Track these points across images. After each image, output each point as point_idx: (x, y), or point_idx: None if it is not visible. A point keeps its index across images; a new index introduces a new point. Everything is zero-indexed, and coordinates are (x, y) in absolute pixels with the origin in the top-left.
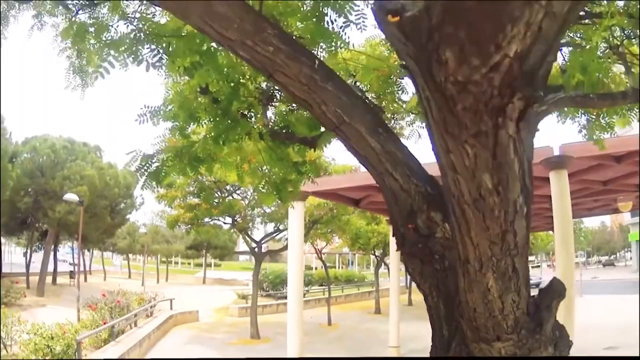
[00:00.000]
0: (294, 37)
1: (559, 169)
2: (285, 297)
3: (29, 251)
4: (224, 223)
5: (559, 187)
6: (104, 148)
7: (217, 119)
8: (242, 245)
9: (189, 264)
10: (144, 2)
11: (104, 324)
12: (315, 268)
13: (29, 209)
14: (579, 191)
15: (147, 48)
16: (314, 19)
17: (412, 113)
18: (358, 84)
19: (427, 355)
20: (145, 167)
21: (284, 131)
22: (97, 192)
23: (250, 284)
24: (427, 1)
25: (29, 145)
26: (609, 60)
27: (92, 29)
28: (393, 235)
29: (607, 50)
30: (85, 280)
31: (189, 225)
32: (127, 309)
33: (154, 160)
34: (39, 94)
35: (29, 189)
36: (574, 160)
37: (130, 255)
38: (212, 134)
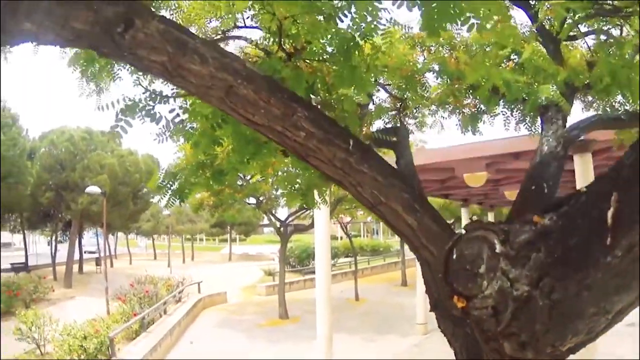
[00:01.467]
0: (327, 116)
1: (583, 152)
2: (313, 272)
3: (53, 243)
4: (248, 204)
5: (583, 169)
6: (122, 135)
7: (242, 145)
8: (266, 219)
9: (214, 239)
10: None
11: (134, 315)
12: (341, 237)
13: (51, 203)
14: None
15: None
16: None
17: (435, 105)
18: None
19: None
20: (169, 184)
21: None
22: (118, 179)
23: (276, 258)
24: (496, 306)
25: (46, 140)
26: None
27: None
28: (429, 302)
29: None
30: (112, 265)
31: (214, 208)
32: (156, 297)
33: (177, 177)
34: (51, 86)
35: (50, 183)
36: (598, 143)
37: (154, 236)
38: (237, 155)
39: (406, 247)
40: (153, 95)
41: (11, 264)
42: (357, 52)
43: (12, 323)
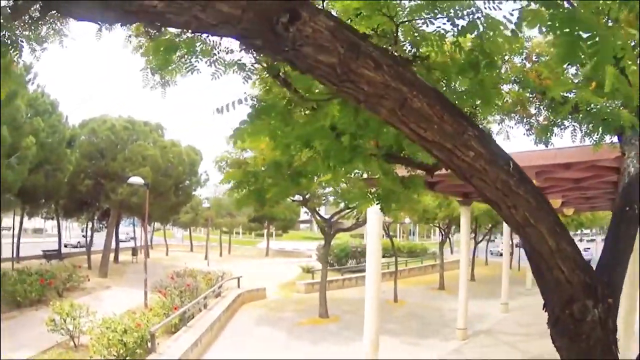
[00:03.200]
0: (491, 135)
1: None
2: (351, 272)
3: (89, 232)
4: (293, 200)
5: None
6: (165, 126)
7: (338, 151)
8: (303, 215)
9: (250, 234)
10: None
11: (175, 309)
12: None
13: (90, 191)
14: None
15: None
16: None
17: (500, 114)
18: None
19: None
20: (247, 185)
21: (401, 155)
22: (160, 171)
23: (314, 255)
24: None
25: (87, 128)
26: None
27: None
28: (548, 320)
29: None
30: (148, 255)
31: (258, 204)
32: (196, 291)
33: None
34: (95, 74)
35: (89, 171)
36: None
37: (191, 227)
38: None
39: (445, 249)
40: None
41: (43, 250)
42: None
43: (43, 313)
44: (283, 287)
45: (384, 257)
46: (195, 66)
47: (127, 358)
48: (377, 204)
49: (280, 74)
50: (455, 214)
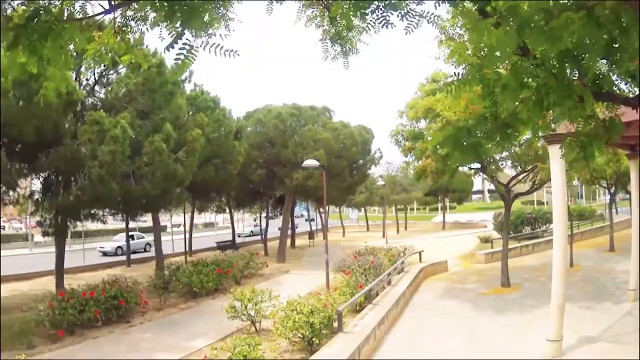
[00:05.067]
0: None
1: None
2: (528, 239)
3: (264, 220)
4: (470, 168)
5: None
6: (332, 108)
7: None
8: (475, 186)
9: (424, 209)
10: None
11: (360, 287)
12: (546, 203)
13: (262, 180)
14: None
15: None
16: None
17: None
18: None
19: None
20: (464, 140)
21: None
22: (334, 153)
23: (489, 225)
24: None
25: (252, 119)
26: None
27: None
28: None
29: None
30: (324, 238)
31: (437, 175)
32: (380, 268)
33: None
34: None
35: (260, 161)
36: None
37: (366, 207)
38: (534, 97)
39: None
40: None
41: (217, 242)
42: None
43: (220, 302)
44: (463, 258)
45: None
46: (389, 19)
47: (314, 339)
48: (579, 152)
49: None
50: (622, 170)
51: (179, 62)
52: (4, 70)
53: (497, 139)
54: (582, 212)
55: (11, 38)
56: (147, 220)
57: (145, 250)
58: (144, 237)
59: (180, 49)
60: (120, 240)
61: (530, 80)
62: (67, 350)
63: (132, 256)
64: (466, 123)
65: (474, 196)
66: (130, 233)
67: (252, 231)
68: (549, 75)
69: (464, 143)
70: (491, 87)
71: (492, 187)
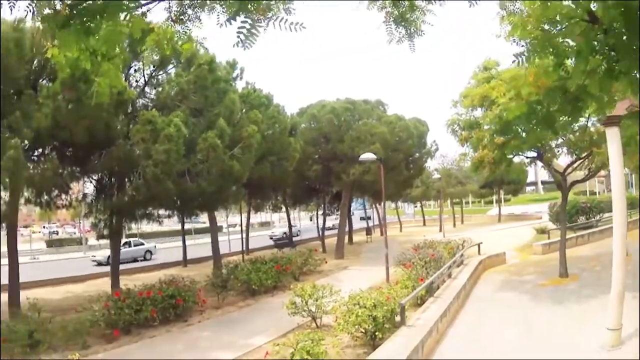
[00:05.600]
0: None
1: None
2: (584, 229)
3: (321, 217)
4: (527, 157)
5: None
6: (386, 102)
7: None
8: (528, 177)
9: (479, 202)
10: None
11: (421, 281)
12: (598, 192)
13: (318, 176)
14: None
15: None
16: None
17: None
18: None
19: None
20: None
21: None
22: (390, 147)
23: (543, 216)
24: None
25: (306, 115)
26: None
27: None
28: None
29: None
30: (381, 234)
31: (494, 165)
32: (440, 261)
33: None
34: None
35: (316, 157)
36: None
37: (422, 202)
38: (603, 67)
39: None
40: None
41: (274, 240)
42: None
43: (279, 299)
44: (520, 250)
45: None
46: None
47: (377, 333)
48: None
49: None
50: None
51: (240, 39)
52: (60, 65)
53: (569, 111)
54: (634, 201)
55: (62, 19)
56: (204, 221)
57: (145, 259)
58: (143, 244)
59: (240, 27)
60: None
61: (600, 46)
62: (122, 349)
63: (131, 265)
64: (538, 97)
65: (528, 188)
66: (127, 240)
67: (299, 230)
68: (619, 40)
69: (539, 116)
70: (561, 56)
71: (546, 178)
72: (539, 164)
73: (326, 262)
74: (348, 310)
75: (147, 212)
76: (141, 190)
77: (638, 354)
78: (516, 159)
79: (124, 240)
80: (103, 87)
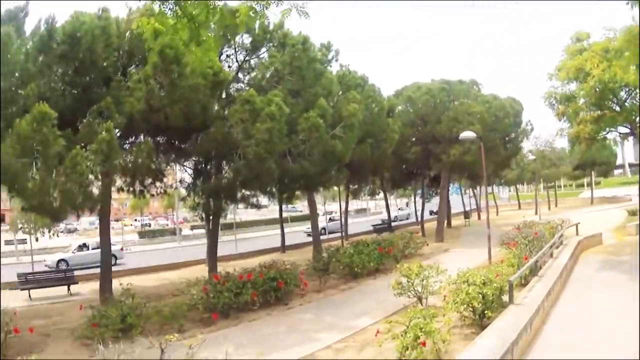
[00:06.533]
0: None
1: None
2: None
3: (420, 200)
4: (620, 133)
5: None
6: (480, 81)
7: None
8: (618, 159)
9: (571, 185)
10: None
11: (525, 259)
12: None
13: (418, 159)
14: None
15: None
16: None
17: None
18: None
19: None
20: None
21: None
22: (488, 126)
23: (634, 198)
24: None
25: (402, 97)
26: None
27: None
28: None
29: None
30: (479, 217)
31: (590, 141)
32: (542, 240)
33: None
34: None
35: (414, 139)
36: None
37: (517, 185)
38: None
39: None
40: None
41: (373, 225)
42: None
43: (381, 281)
44: (615, 231)
45: None
46: None
47: (486, 311)
48: None
49: None
50: None
51: None
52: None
53: None
54: None
55: None
56: (301, 209)
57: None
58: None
59: None
60: (71, 251)
61: None
62: (220, 333)
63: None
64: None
65: (615, 171)
66: (83, 242)
67: (409, 214)
68: None
69: None
70: None
71: (634, 160)
72: (629, 144)
73: (427, 245)
74: (457, 288)
75: (246, 194)
76: (242, 170)
77: (638, 354)
78: (609, 136)
79: (83, 242)
80: (201, 58)
